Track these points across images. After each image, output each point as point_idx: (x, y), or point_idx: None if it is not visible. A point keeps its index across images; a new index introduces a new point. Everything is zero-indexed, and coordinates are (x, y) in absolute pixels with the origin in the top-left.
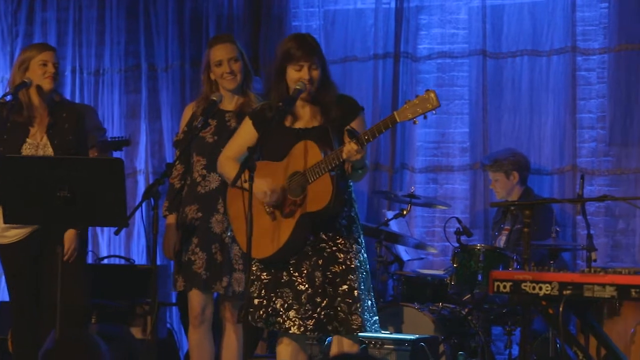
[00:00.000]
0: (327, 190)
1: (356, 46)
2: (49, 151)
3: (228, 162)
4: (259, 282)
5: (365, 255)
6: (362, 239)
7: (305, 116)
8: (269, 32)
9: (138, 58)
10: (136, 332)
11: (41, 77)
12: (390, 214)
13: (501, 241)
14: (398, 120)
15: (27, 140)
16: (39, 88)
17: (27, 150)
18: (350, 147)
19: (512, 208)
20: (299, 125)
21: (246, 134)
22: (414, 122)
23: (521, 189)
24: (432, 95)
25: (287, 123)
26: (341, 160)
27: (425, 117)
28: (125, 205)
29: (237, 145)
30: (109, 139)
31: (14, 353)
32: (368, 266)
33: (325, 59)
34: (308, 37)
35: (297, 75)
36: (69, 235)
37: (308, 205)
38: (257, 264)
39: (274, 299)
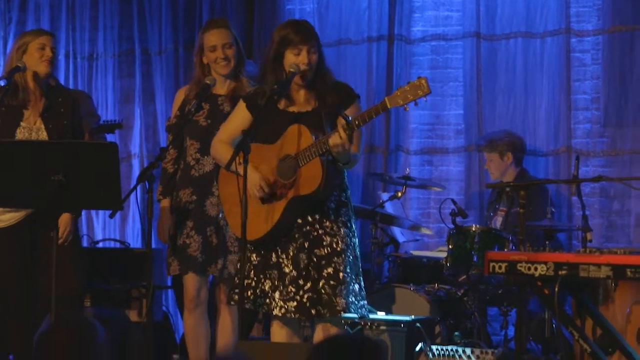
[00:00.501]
0: (317, 174)
1: (350, 29)
2: (43, 135)
3: (222, 146)
4: (249, 264)
5: (355, 240)
6: (351, 224)
7: (300, 100)
8: (262, 15)
9: (132, 42)
10: (132, 316)
11: (38, 61)
12: (385, 196)
13: (497, 222)
14: (389, 106)
15: (22, 123)
16: (35, 72)
17: (21, 133)
18: (336, 136)
19: (508, 189)
20: (292, 108)
21: (240, 117)
22: (405, 109)
23: (516, 170)
24: (423, 82)
25: (281, 106)
26: (327, 147)
27: (416, 104)
28: (120, 189)
29: (230, 129)
30: (102, 122)
31: (9, 336)
32: (358, 252)
33: (321, 46)
34: (305, 22)
35: (295, 60)
36: (64, 218)
37: (299, 189)
38: (248, 245)
39: (262, 280)
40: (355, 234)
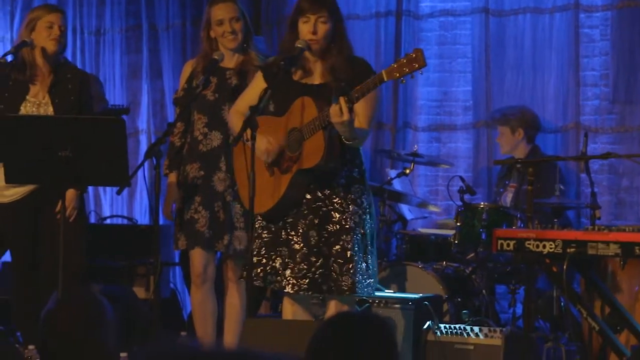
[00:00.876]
0: (320, 147)
1: (358, 4)
2: (50, 110)
3: (236, 116)
4: (260, 240)
5: (366, 217)
6: (363, 201)
7: (315, 72)
8: None
9: (139, 18)
10: (139, 292)
11: (46, 39)
12: (393, 173)
13: (507, 198)
14: (385, 79)
15: (28, 98)
16: (43, 49)
17: (27, 108)
18: (335, 108)
19: (519, 166)
20: (306, 80)
21: (257, 87)
22: (402, 82)
23: (528, 146)
24: (419, 54)
25: (296, 77)
26: (329, 120)
27: (412, 77)
28: (127, 165)
29: (247, 99)
30: (110, 106)
31: (15, 313)
32: (371, 229)
33: (342, 17)
34: None
35: (305, 29)
36: (69, 194)
37: (302, 162)
38: (259, 221)
39: (273, 257)
40: (369, 211)
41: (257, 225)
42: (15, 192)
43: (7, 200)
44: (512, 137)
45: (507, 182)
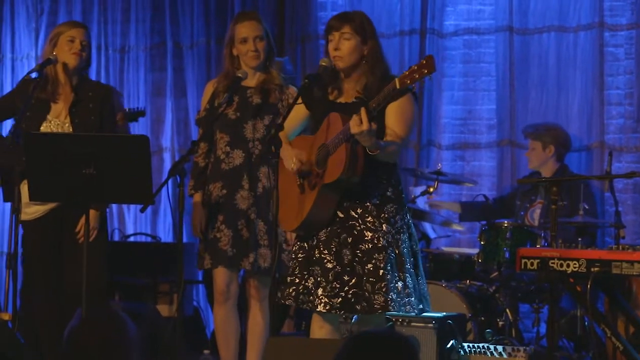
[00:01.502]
0: (342, 160)
1: (382, 22)
2: (69, 130)
3: (282, 136)
4: (295, 261)
5: (401, 236)
6: (397, 220)
7: (348, 91)
8: (294, 8)
9: (163, 36)
10: (162, 310)
11: (67, 54)
12: (417, 191)
13: (534, 214)
14: (398, 86)
15: (48, 117)
16: (65, 65)
17: (46, 127)
18: (355, 118)
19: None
20: (340, 99)
21: (295, 109)
22: (412, 88)
23: (557, 164)
24: (430, 61)
25: (332, 97)
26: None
27: (422, 82)
28: (151, 183)
29: (288, 122)
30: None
31: (39, 331)
32: (407, 249)
33: (373, 34)
34: (352, 11)
35: (330, 47)
36: (90, 216)
37: (326, 177)
38: (296, 243)
39: (306, 276)
40: (406, 231)
41: (295, 247)
42: (37, 210)
43: (29, 218)
44: (543, 152)
45: (532, 198)
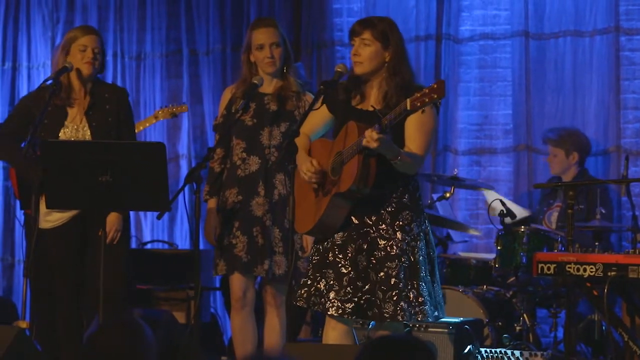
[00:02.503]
0: (353, 171)
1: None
2: (87, 133)
3: (300, 138)
4: (310, 264)
5: (417, 244)
6: (413, 228)
7: (370, 98)
8: (310, 15)
9: (179, 43)
10: (180, 317)
11: (80, 62)
12: (434, 197)
13: (552, 216)
14: (408, 108)
15: (66, 123)
16: (78, 71)
17: (66, 133)
18: (368, 134)
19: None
20: (361, 106)
21: (317, 113)
22: (422, 112)
23: (577, 169)
24: (440, 85)
25: (354, 103)
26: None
27: (431, 107)
28: (168, 190)
29: (308, 122)
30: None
31: (61, 339)
32: (423, 256)
33: (397, 41)
34: (374, 17)
35: (351, 52)
36: (112, 218)
37: (339, 185)
38: (313, 245)
39: (318, 278)
40: (422, 237)
41: (312, 251)
42: (59, 218)
43: (50, 226)
44: (566, 159)
45: (551, 202)
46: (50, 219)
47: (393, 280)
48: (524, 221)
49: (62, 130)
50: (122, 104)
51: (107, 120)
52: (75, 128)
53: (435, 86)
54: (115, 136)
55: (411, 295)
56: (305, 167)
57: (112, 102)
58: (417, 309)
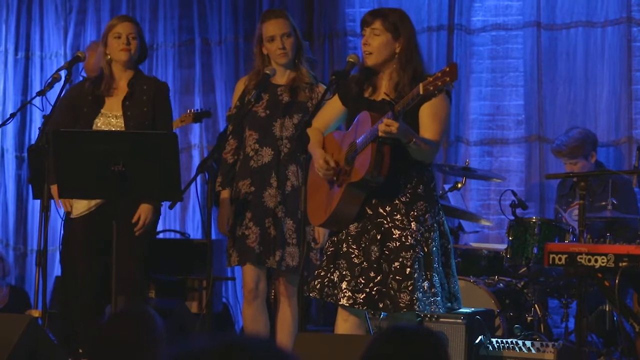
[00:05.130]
0: (367, 160)
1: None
2: (120, 122)
3: (311, 131)
4: (325, 255)
5: (431, 235)
6: (427, 218)
7: (381, 88)
8: (322, 5)
9: (192, 33)
10: (192, 307)
11: (116, 50)
12: (445, 187)
13: (572, 214)
14: (421, 92)
15: (102, 111)
16: (117, 61)
17: (99, 121)
18: (385, 121)
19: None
20: (374, 97)
21: (329, 104)
22: (441, 97)
23: (593, 164)
24: (453, 68)
25: (367, 94)
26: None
27: (444, 90)
28: (180, 180)
29: (321, 116)
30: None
31: (79, 327)
32: (437, 247)
33: (408, 32)
34: (389, 8)
35: (362, 43)
36: (144, 208)
37: (352, 175)
38: (329, 238)
39: (332, 270)
40: (437, 229)
41: (327, 244)
42: (83, 207)
43: (75, 215)
44: (587, 162)
45: (570, 200)
46: (76, 206)
47: (408, 270)
48: None
49: (97, 118)
50: (159, 96)
51: (143, 111)
52: (109, 117)
53: (448, 69)
54: (148, 127)
55: (425, 286)
56: (319, 164)
57: (150, 93)
58: (431, 299)
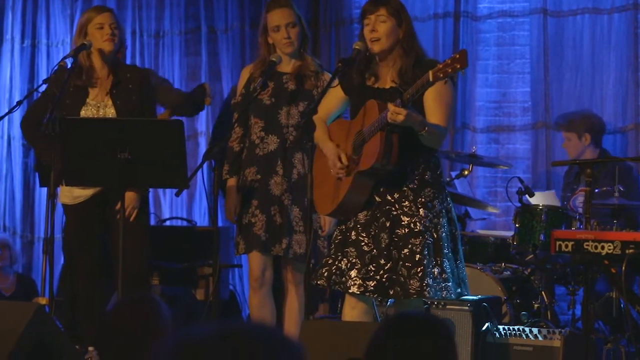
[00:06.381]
0: (376, 148)
1: (416, 6)
2: (111, 111)
3: (317, 121)
4: (333, 243)
5: (440, 221)
6: (435, 204)
7: (385, 76)
8: None
9: (198, 20)
10: (199, 294)
11: (100, 40)
12: (452, 174)
13: (577, 201)
14: (431, 79)
15: (88, 101)
16: (100, 51)
17: (86, 111)
18: (392, 108)
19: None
20: (378, 85)
21: (332, 93)
22: (445, 82)
23: (596, 151)
24: (463, 55)
25: (369, 82)
26: (387, 121)
27: (454, 77)
28: (186, 167)
29: (323, 105)
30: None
31: (83, 315)
32: (446, 233)
33: (407, 18)
34: None
35: (366, 30)
36: (129, 196)
37: (361, 164)
38: (338, 227)
39: (340, 258)
40: (446, 215)
41: (336, 232)
42: (82, 194)
43: (73, 202)
44: (579, 142)
45: (575, 187)
46: (71, 195)
47: (418, 256)
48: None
49: (83, 109)
50: (144, 83)
51: (131, 99)
52: (97, 106)
53: (458, 56)
54: (138, 115)
55: (435, 272)
56: (333, 161)
57: (135, 81)
58: (442, 285)
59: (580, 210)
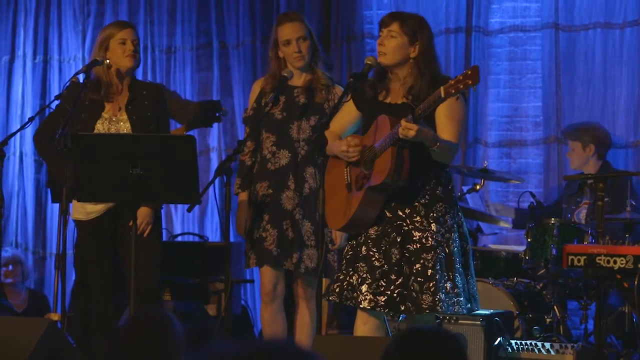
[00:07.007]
0: (387, 164)
1: (428, 20)
2: (127, 126)
3: (328, 135)
4: (344, 259)
5: (451, 236)
6: (447, 219)
7: (397, 91)
8: (340, 7)
9: (209, 36)
10: (210, 310)
11: (121, 56)
12: (463, 189)
13: (580, 214)
14: (443, 96)
15: (103, 114)
16: (118, 68)
17: (100, 125)
18: (404, 124)
19: (590, 182)
20: (390, 100)
21: (345, 109)
22: (457, 98)
23: (598, 163)
24: (474, 72)
25: (381, 97)
26: (399, 136)
27: (466, 94)
28: (198, 183)
29: (337, 120)
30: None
31: (93, 331)
32: (457, 248)
33: (425, 37)
34: (408, 12)
35: (377, 43)
36: (142, 211)
37: (372, 179)
38: (349, 242)
39: (351, 273)
40: (457, 230)
41: (347, 247)
42: (95, 210)
43: (86, 218)
44: (583, 152)
45: (578, 200)
46: (84, 210)
47: (430, 271)
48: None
49: (99, 122)
50: (159, 99)
51: (147, 115)
52: (111, 120)
53: (470, 72)
54: (154, 130)
55: (447, 287)
56: (344, 146)
57: (151, 97)
58: (453, 299)
59: (584, 223)
